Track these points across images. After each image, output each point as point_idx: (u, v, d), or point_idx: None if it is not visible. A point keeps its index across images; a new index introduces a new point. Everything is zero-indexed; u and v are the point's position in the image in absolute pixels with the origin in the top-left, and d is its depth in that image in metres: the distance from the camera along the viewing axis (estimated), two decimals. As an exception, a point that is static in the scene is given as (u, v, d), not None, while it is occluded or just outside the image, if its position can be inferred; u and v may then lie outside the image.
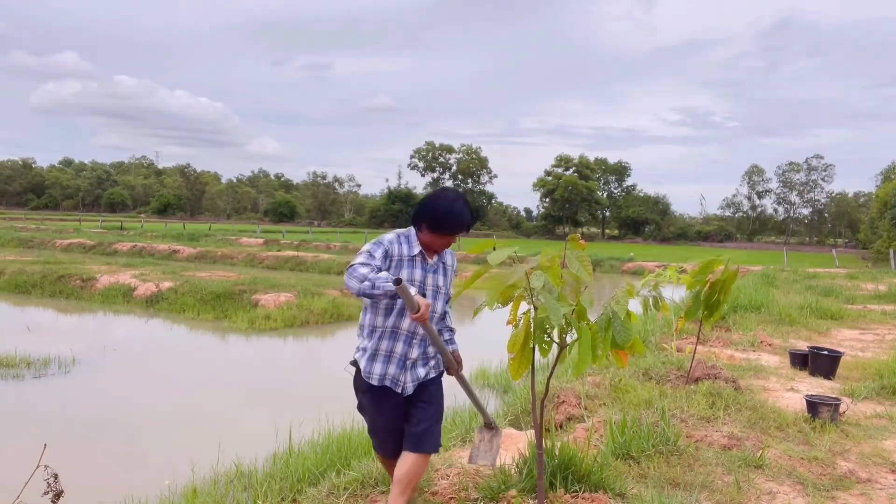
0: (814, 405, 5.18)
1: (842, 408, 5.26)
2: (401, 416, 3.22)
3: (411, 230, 3.22)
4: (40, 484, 2.16)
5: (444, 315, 3.33)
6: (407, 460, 3.15)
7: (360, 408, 3.34)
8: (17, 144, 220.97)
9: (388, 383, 3.16)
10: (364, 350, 3.20)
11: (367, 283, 2.87)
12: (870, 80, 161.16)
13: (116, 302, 13.97)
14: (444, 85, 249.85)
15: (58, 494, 2.11)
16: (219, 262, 24.70)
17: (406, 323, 3.13)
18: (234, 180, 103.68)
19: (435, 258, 3.23)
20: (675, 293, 11.68)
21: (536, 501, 3.25)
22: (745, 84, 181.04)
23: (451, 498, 3.60)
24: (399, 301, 3.08)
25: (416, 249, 3.16)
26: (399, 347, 3.16)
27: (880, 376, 6.70)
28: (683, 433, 4.60)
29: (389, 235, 3.19)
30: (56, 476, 2.12)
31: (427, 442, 3.16)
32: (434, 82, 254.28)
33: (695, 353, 6.36)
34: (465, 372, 3.39)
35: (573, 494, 3.53)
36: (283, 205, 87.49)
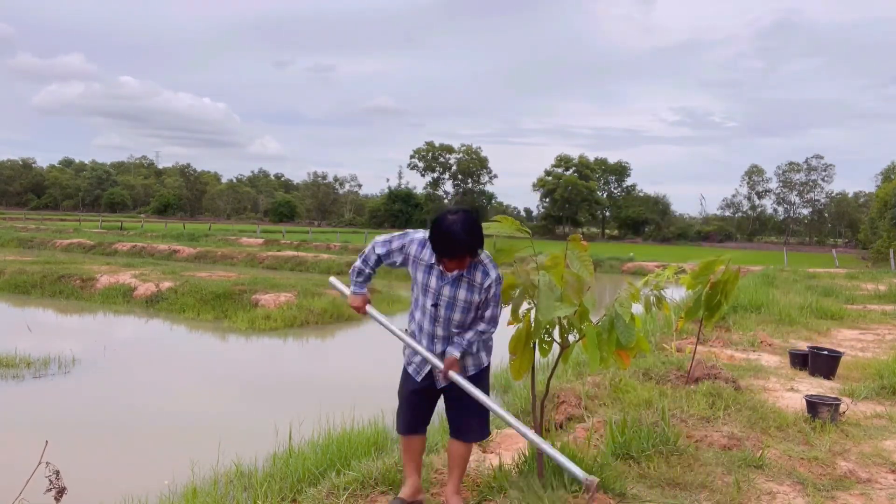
0: (814, 405, 5.18)
1: (842, 408, 5.26)
2: None
3: None
4: (42, 482, 2.15)
5: (469, 322, 3.22)
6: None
7: None
8: (17, 144, 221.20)
9: None
10: None
11: (353, 270, 3.45)
12: (870, 80, 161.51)
13: (116, 302, 13.96)
14: (444, 85, 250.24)
15: (60, 491, 2.10)
16: (219, 262, 24.69)
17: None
18: (235, 180, 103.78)
19: (456, 272, 3.11)
20: (675, 293, 11.68)
21: (537, 501, 3.25)
22: (744, 84, 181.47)
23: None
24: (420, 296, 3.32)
25: (433, 259, 3.13)
26: None
27: (880, 376, 6.69)
28: (683, 433, 4.60)
29: (418, 235, 3.26)
30: (58, 473, 2.11)
31: None
32: (434, 82, 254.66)
33: (695, 353, 6.36)
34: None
35: (573, 494, 3.53)
36: (283, 205, 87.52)
